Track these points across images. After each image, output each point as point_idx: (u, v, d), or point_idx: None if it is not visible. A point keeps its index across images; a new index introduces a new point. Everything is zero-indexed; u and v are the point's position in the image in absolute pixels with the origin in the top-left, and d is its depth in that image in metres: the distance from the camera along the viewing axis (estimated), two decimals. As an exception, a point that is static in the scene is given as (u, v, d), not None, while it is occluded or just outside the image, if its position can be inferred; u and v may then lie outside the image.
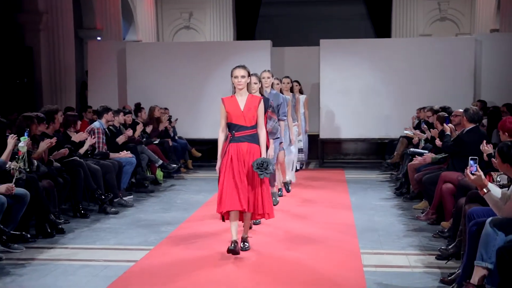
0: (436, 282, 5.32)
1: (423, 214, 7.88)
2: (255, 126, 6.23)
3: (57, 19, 14.77)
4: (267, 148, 6.90)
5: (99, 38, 17.66)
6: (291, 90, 10.59)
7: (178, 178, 11.80)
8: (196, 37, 22.05)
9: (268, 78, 8.34)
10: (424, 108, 11.51)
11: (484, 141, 6.67)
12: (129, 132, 10.15)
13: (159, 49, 15.28)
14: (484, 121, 10.14)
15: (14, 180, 6.57)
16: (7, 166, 6.72)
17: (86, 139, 8.89)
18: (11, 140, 6.81)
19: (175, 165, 11.35)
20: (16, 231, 6.56)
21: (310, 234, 7.14)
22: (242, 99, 6.21)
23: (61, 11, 14.83)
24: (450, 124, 8.35)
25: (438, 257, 5.96)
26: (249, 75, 6.30)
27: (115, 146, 9.62)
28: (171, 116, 13.01)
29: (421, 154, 9.38)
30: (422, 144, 10.31)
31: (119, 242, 6.92)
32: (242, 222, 6.40)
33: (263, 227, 7.30)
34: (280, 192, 9.28)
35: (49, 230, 7.07)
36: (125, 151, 9.68)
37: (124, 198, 9.04)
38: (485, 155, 6.46)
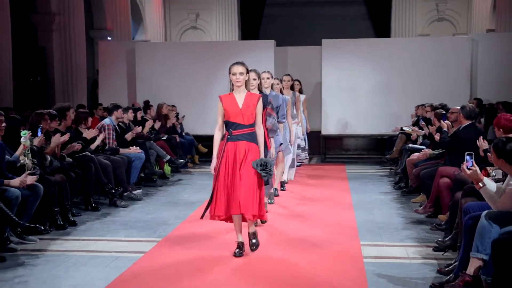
0: (433, 272, 5.32)
1: (421, 207, 7.87)
2: (253, 125, 5.87)
3: (69, 19, 14.79)
4: (268, 148, 6.80)
5: (109, 38, 17.69)
6: (292, 88, 10.18)
7: (185, 173, 11.82)
8: (203, 37, 22.07)
9: (268, 79, 7.93)
10: (422, 105, 11.52)
11: (481, 137, 6.66)
12: (138, 128, 10.17)
13: (167, 49, 15.28)
14: (482, 119, 10.14)
15: (28, 174, 6.60)
16: (20, 161, 6.76)
17: (97, 135, 8.91)
18: (22, 134, 6.85)
19: (182, 160, 11.38)
20: (30, 223, 6.59)
21: (311, 227, 7.15)
22: (240, 97, 5.85)
23: (73, 12, 14.85)
24: (447, 121, 8.34)
25: (435, 249, 5.97)
26: (248, 72, 5.93)
27: (124, 142, 9.64)
28: (178, 113, 13.02)
29: (419, 150, 9.40)
30: (420, 140, 10.31)
31: (128, 234, 6.93)
32: (244, 221, 6.01)
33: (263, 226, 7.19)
34: (276, 192, 8.94)
35: (61, 223, 7.11)
36: (134, 146, 9.70)
37: (134, 192, 9.05)
38: (481, 150, 6.45)
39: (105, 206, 8.42)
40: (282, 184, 9.44)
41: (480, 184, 4.73)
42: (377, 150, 14.55)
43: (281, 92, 8.94)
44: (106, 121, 9.52)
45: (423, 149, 9.29)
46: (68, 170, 7.73)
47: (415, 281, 5.10)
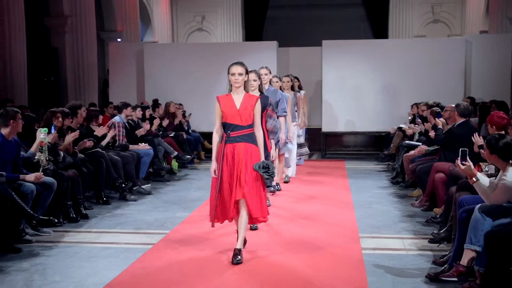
0: (428, 263, 5.32)
1: (417, 201, 7.88)
2: (251, 126, 5.45)
3: (81, 22, 14.81)
4: (268, 150, 6.52)
5: (119, 40, 17.70)
6: (292, 88, 9.81)
7: (191, 168, 11.82)
8: (208, 39, 22.06)
9: (266, 75, 7.61)
10: (418, 103, 11.52)
11: (476, 133, 6.66)
12: (147, 126, 10.18)
13: (174, 50, 15.30)
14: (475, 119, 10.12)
15: (41, 170, 6.62)
16: (35, 157, 6.78)
17: (108, 132, 8.92)
18: (39, 133, 6.87)
19: (189, 156, 11.39)
20: (44, 216, 6.61)
21: (312, 219, 7.16)
22: (238, 98, 5.44)
23: (84, 14, 14.87)
24: (441, 119, 8.34)
25: (431, 241, 5.97)
26: (247, 72, 5.53)
27: (134, 139, 9.65)
28: (185, 111, 13.02)
29: (415, 146, 9.39)
30: (416, 137, 10.30)
31: (138, 226, 6.94)
32: (251, 223, 5.73)
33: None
34: (278, 186, 8.77)
35: (74, 216, 7.13)
36: (143, 143, 9.71)
37: (143, 187, 9.05)
38: (475, 146, 6.45)
39: (115, 200, 8.43)
40: (285, 181, 9.31)
41: (474, 179, 4.73)
42: (375, 146, 14.55)
43: (280, 90, 8.60)
44: (116, 118, 9.54)
45: (419, 145, 9.28)
46: (80, 166, 7.74)
47: (411, 272, 5.10)
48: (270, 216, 6.80)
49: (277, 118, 7.55)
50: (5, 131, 6.29)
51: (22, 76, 11.69)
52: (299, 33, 21.79)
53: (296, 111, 9.91)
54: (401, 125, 11.60)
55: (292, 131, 9.01)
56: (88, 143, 8.21)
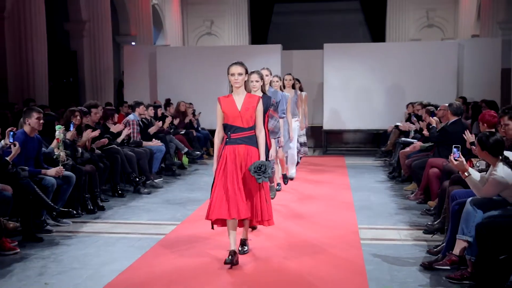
0: (423, 253, 5.32)
1: (413, 194, 7.87)
2: (253, 128, 5.04)
3: (97, 27, 14.87)
4: (269, 148, 6.06)
5: (133, 43, 17.74)
6: (293, 86, 9.41)
7: (201, 164, 11.82)
8: (217, 42, 22.09)
9: (267, 76, 7.11)
10: (414, 103, 11.51)
11: (467, 131, 6.64)
12: (159, 124, 10.20)
13: (185, 53, 15.34)
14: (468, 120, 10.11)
15: (61, 164, 6.64)
16: (55, 153, 6.80)
17: (123, 130, 8.94)
18: (56, 129, 6.89)
19: (198, 152, 11.41)
20: (64, 208, 6.63)
21: (313, 213, 7.14)
22: (239, 99, 5.05)
23: (101, 20, 14.92)
24: (435, 117, 8.32)
25: (425, 232, 5.96)
26: (247, 72, 5.12)
27: (147, 136, 9.67)
28: (195, 110, 13.04)
29: (411, 143, 9.38)
30: (412, 134, 10.29)
31: (151, 218, 6.96)
32: (240, 227, 5.27)
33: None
34: (279, 187, 8.34)
35: (91, 207, 7.16)
36: (156, 140, 9.73)
37: (155, 181, 9.07)
38: (468, 143, 6.43)
39: (130, 193, 8.45)
40: (285, 178, 8.82)
41: (466, 174, 4.72)
42: (373, 143, 14.54)
43: (281, 90, 8.22)
44: (131, 117, 9.56)
45: (414, 142, 9.28)
46: (97, 161, 7.76)
47: (407, 260, 5.09)
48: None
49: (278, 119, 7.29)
50: (27, 128, 6.32)
51: (43, 77, 11.72)
52: (302, 37, 21.79)
53: (296, 108, 9.58)
54: (397, 123, 11.59)
55: (293, 127, 8.64)
56: (104, 140, 8.24)
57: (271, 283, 4.57)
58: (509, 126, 4.84)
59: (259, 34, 22.41)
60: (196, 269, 4.88)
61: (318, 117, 14.23)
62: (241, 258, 5.03)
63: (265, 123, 5.74)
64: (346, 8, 22.49)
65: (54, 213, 6.41)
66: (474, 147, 5.50)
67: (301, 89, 10.67)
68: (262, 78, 5.98)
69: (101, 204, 7.41)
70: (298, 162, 10.48)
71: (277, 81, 8.11)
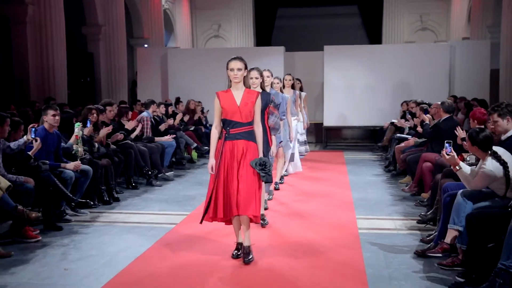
0: (416, 241, 5.32)
1: (407, 187, 7.86)
2: (251, 123, 4.70)
3: (113, 30, 14.89)
4: (269, 145, 5.76)
5: (146, 45, 17.75)
6: (292, 87, 8.95)
7: (209, 158, 11.80)
8: (224, 44, 22.08)
9: (268, 77, 6.74)
10: (408, 101, 11.49)
11: (458, 127, 6.63)
12: (170, 120, 10.21)
13: (194, 54, 15.33)
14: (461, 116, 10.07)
15: (79, 159, 6.67)
16: (74, 148, 6.83)
17: (136, 126, 8.96)
18: (75, 126, 6.92)
19: (207, 147, 11.37)
20: (82, 199, 6.66)
21: (313, 204, 7.15)
22: (238, 94, 4.71)
23: (116, 24, 14.94)
24: (428, 115, 8.30)
25: (419, 222, 5.96)
26: (246, 67, 4.77)
27: (159, 132, 9.69)
28: (203, 107, 13.02)
29: (405, 139, 9.37)
30: (406, 130, 10.27)
31: (162, 208, 6.98)
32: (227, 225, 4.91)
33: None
34: (277, 185, 7.96)
35: (107, 199, 7.18)
36: (168, 135, 9.75)
37: (167, 174, 9.09)
38: (459, 138, 6.42)
39: (143, 185, 8.47)
40: (281, 178, 8.38)
41: (457, 167, 4.72)
42: (370, 139, 14.51)
43: (281, 91, 7.77)
44: (145, 114, 9.58)
45: (409, 138, 9.26)
46: (112, 155, 7.78)
47: (401, 248, 5.10)
48: (274, 202, 6.65)
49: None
50: (47, 124, 6.34)
51: (62, 77, 11.75)
52: (303, 39, 21.76)
53: (295, 107, 9.08)
54: (393, 120, 11.58)
55: (292, 126, 8.11)
56: (119, 136, 8.26)
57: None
58: (498, 122, 4.82)
59: (263, 37, 22.40)
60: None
61: (319, 114, 14.23)
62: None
63: (265, 119, 5.55)
64: (345, 13, 22.47)
65: (72, 204, 6.43)
66: (465, 143, 5.49)
67: (301, 89, 10.43)
68: (261, 75, 5.71)
69: (116, 196, 7.43)
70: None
71: (277, 83, 7.70)
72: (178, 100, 12.51)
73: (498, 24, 13.98)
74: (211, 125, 12.92)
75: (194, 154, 11.13)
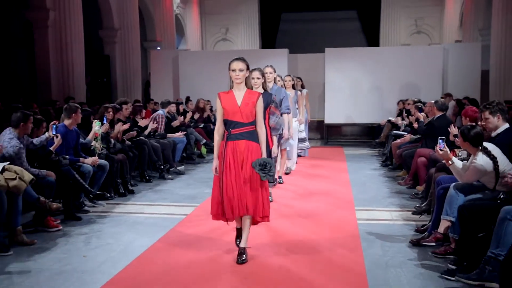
0: (411, 231, 5.32)
1: (403, 180, 7.85)
2: (253, 123, 4.42)
3: (128, 33, 14.91)
4: (270, 146, 5.43)
5: (158, 48, 17.75)
6: (293, 87, 8.63)
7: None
8: (231, 47, 22.08)
9: (271, 73, 6.52)
10: (404, 100, 11.46)
11: (451, 125, 6.61)
12: (181, 118, 10.22)
13: (204, 56, 15.31)
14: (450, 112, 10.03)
15: (96, 155, 6.70)
16: (91, 144, 6.85)
17: (149, 124, 8.97)
18: (95, 124, 6.95)
19: (215, 143, 11.40)
20: (99, 191, 6.68)
21: (314, 196, 7.15)
22: (239, 94, 4.45)
23: (130, 28, 14.96)
24: (422, 113, 8.28)
25: (414, 213, 5.95)
26: (248, 68, 4.51)
27: (171, 129, 9.71)
28: (212, 106, 13.04)
29: (401, 135, 9.34)
30: (402, 127, 10.25)
31: (174, 200, 6.99)
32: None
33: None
34: (280, 179, 7.81)
35: (122, 191, 7.20)
36: (179, 132, 9.76)
37: (178, 168, 9.11)
38: (451, 135, 6.40)
39: (155, 179, 8.48)
40: (280, 177, 7.99)
41: (450, 162, 4.71)
42: (368, 135, 14.47)
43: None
44: (160, 112, 9.62)
45: (405, 135, 9.24)
46: (127, 151, 7.80)
47: (397, 238, 5.10)
48: (275, 201, 6.42)
49: (281, 115, 6.62)
50: (67, 122, 6.37)
51: (81, 78, 11.78)
52: (306, 42, 21.72)
53: (297, 108, 8.79)
54: (390, 118, 11.55)
55: (293, 127, 7.86)
56: (133, 132, 8.28)
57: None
58: (489, 120, 4.81)
59: (268, 40, 22.37)
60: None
61: (320, 112, 14.20)
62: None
63: (265, 120, 5.28)
64: (345, 17, 22.41)
65: (90, 195, 6.45)
66: (457, 139, 5.48)
67: (302, 87, 10.37)
68: (263, 75, 5.44)
69: (131, 188, 7.45)
70: (299, 155, 9.99)
71: (279, 81, 7.51)
72: (188, 99, 12.53)
73: (488, 27, 13.94)
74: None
75: (204, 149, 11.14)
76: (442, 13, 20.69)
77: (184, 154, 10.26)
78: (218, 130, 4.50)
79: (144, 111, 9.46)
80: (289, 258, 4.54)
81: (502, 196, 4.23)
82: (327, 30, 22.43)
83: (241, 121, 4.38)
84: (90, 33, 14.72)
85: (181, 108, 11.15)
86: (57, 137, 5.93)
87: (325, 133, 14.02)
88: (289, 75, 8.84)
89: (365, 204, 6.60)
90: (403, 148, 8.42)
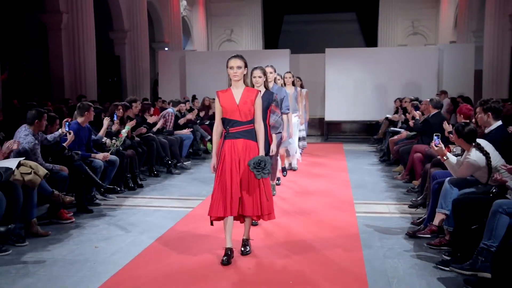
0: (408, 224, 5.32)
1: (400, 175, 7.84)
2: (251, 121, 4.18)
3: (137, 35, 14.90)
4: (270, 143, 5.20)
5: (166, 49, 17.74)
6: (293, 84, 8.35)
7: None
8: (235, 47, 22.05)
9: (271, 73, 6.29)
10: (401, 98, 11.45)
11: (446, 122, 6.59)
12: (189, 115, 10.23)
13: (209, 56, 15.30)
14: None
15: (110, 152, 6.71)
16: (103, 140, 6.86)
17: (157, 121, 8.98)
18: (105, 121, 6.96)
19: (220, 140, 11.40)
20: (110, 185, 6.69)
21: (315, 191, 7.14)
22: (237, 92, 4.19)
23: (140, 29, 14.94)
24: (418, 111, 8.26)
25: (410, 206, 5.95)
26: (246, 66, 4.22)
27: (178, 126, 9.71)
28: (217, 104, 13.04)
29: (398, 132, 9.33)
30: (399, 124, 10.23)
31: (181, 194, 7.00)
32: (242, 223, 4.44)
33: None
34: (278, 181, 7.38)
35: (132, 185, 7.21)
36: (186, 128, 9.77)
37: (185, 163, 9.11)
38: (446, 132, 6.39)
39: (163, 173, 8.48)
40: (284, 170, 8.07)
41: (444, 158, 4.70)
42: (366, 132, 14.46)
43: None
44: (169, 110, 9.64)
45: (401, 131, 9.22)
46: (137, 147, 7.81)
47: (394, 230, 5.10)
48: (275, 198, 5.89)
49: (281, 115, 6.23)
50: (81, 119, 6.38)
51: (93, 77, 11.79)
52: (307, 43, 21.68)
53: (297, 104, 8.59)
54: (387, 115, 11.53)
55: (293, 122, 7.42)
56: (143, 129, 8.29)
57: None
58: (480, 116, 4.81)
59: (271, 41, 22.35)
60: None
61: (321, 110, 14.18)
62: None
63: (267, 118, 5.05)
64: (344, 19, 22.38)
65: (102, 189, 6.48)
66: (451, 135, 5.47)
67: (302, 87, 10.03)
68: (265, 73, 5.16)
69: (140, 183, 7.47)
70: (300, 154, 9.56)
71: (279, 79, 7.27)
72: (194, 97, 12.52)
73: (482, 29, 13.91)
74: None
75: (209, 145, 11.12)
76: (438, 15, 20.65)
77: (191, 150, 10.25)
78: (217, 129, 4.29)
79: (152, 109, 9.48)
80: (289, 255, 4.52)
81: (494, 190, 4.22)
82: (327, 31, 22.38)
83: (239, 119, 4.15)
84: (101, 35, 14.72)
85: (187, 105, 11.16)
86: (70, 133, 5.95)
87: (325, 130, 14.01)
88: (289, 72, 8.49)
89: (363, 198, 6.59)
90: (400, 144, 8.41)
